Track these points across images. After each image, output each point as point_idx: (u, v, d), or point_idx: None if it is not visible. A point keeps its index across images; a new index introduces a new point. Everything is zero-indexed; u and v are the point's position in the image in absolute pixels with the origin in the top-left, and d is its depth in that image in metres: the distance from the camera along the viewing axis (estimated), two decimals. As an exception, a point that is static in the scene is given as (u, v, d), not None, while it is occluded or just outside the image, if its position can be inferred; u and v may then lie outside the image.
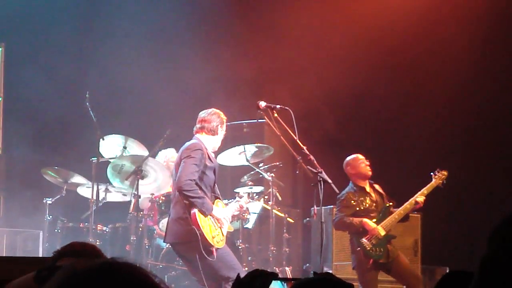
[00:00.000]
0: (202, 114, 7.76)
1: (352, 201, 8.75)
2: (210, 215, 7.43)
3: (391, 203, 8.84)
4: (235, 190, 9.49)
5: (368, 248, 8.58)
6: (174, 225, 7.51)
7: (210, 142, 7.67)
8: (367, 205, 8.78)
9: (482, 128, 11.33)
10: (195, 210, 7.32)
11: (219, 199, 7.75)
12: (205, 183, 7.50)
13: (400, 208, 8.72)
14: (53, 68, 11.44)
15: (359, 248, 8.66)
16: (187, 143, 7.61)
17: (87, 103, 9.33)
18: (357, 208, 8.74)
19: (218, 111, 7.79)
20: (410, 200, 8.70)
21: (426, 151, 11.43)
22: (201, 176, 7.44)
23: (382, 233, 8.60)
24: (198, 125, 7.71)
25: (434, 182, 8.82)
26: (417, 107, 11.66)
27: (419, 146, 11.56)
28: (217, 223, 7.49)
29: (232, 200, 8.38)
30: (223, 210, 7.67)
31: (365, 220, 8.63)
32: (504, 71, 11.17)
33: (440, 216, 9.05)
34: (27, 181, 10.42)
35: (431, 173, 8.86)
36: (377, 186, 8.99)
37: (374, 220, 8.66)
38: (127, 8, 11.66)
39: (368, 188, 8.90)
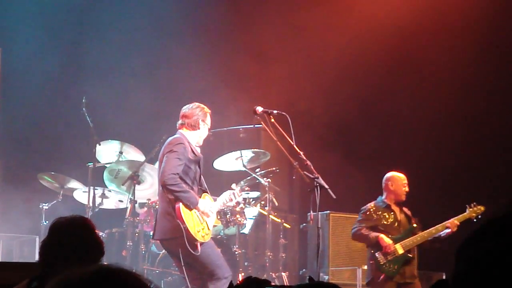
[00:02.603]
0: (184, 109, 7.68)
1: (374, 215, 8.70)
2: (195, 209, 7.37)
3: (416, 225, 8.77)
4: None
5: (382, 263, 8.52)
6: (161, 220, 7.46)
7: (192, 136, 7.57)
8: (389, 222, 8.71)
9: (479, 130, 11.32)
10: (180, 204, 7.26)
11: (207, 192, 7.69)
12: (190, 177, 7.43)
13: (424, 232, 8.64)
14: (49, 73, 11.43)
15: (372, 261, 8.62)
16: (169, 138, 7.55)
17: (84, 109, 9.33)
18: (378, 223, 8.68)
19: (200, 104, 7.67)
20: (437, 226, 8.62)
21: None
22: (185, 170, 7.37)
23: (400, 251, 8.53)
24: (180, 121, 7.62)
25: (467, 214, 8.66)
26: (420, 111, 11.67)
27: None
28: (202, 217, 7.43)
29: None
30: (209, 203, 7.58)
31: (381, 235, 8.54)
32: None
33: (436, 221, 9.01)
34: (23, 186, 10.40)
35: (466, 205, 8.73)
36: (405, 209, 8.94)
37: (392, 237, 8.60)
38: (123, 13, 11.66)
39: (395, 207, 8.83)
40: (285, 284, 9.70)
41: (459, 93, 11.33)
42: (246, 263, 9.82)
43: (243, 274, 9.26)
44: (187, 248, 7.25)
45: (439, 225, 8.60)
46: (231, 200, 7.97)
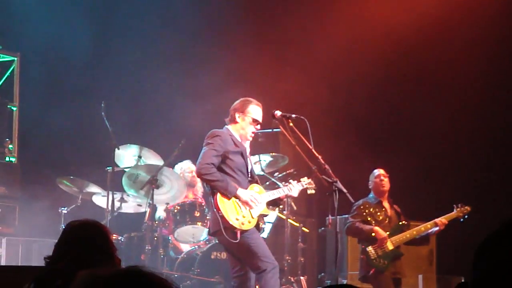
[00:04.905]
0: None
1: (366, 210, 8.78)
2: (235, 197, 7.29)
3: (405, 222, 8.83)
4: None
5: (373, 258, 8.57)
6: (212, 215, 7.44)
7: (234, 129, 7.56)
8: (380, 218, 8.81)
9: (500, 134, 11.28)
10: (217, 194, 7.23)
11: (258, 183, 7.63)
12: (231, 167, 7.37)
13: (413, 229, 8.74)
14: (68, 77, 11.49)
15: (363, 256, 8.67)
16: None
17: (103, 113, 9.36)
18: (369, 218, 8.76)
19: (245, 98, 7.72)
20: (425, 223, 8.71)
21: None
22: (226, 161, 7.35)
23: (390, 247, 8.61)
24: None
25: (455, 213, 8.78)
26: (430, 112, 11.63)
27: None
28: (244, 205, 7.32)
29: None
30: (251, 192, 7.43)
31: (376, 228, 8.65)
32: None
33: (455, 225, 8.99)
34: (42, 191, 10.44)
35: (454, 205, 8.83)
36: (395, 206, 9.02)
37: (387, 233, 8.67)
38: (142, 16, 11.70)
39: (386, 204, 8.93)
40: (304, 288, 9.68)
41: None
42: (264, 267, 9.79)
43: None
44: (227, 239, 7.21)
45: (428, 223, 8.72)
46: (290, 190, 7.77)
